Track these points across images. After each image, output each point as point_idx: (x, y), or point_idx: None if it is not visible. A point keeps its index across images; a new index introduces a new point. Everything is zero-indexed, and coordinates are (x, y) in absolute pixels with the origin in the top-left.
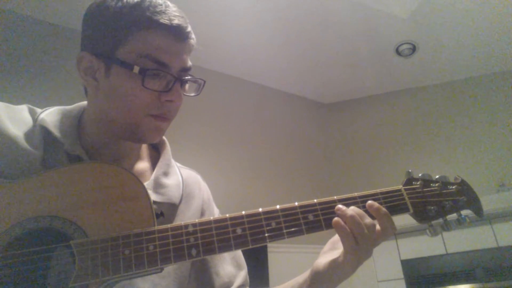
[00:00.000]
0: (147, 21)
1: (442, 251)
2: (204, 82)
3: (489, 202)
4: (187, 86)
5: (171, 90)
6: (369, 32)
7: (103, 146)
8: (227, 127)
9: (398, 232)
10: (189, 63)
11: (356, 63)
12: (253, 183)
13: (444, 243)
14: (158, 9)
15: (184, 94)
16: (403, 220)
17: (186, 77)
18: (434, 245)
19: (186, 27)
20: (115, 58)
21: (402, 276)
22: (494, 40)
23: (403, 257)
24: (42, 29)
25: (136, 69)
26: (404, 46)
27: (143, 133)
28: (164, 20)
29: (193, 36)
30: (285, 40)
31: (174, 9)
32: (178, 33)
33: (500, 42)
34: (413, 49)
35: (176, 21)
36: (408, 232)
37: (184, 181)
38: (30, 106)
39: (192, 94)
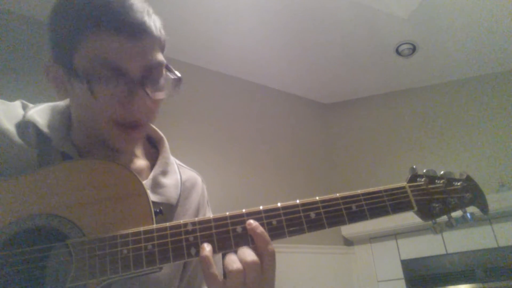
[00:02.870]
0: (95, 22)
1: (442, 251)
2: (180, 78)
3: (489, 202)
4: (160, 85)
5: (132, 95)
6: (369, 32)
7: (93, 144)
8: (228, 128)
9: (398, 232)
10: (157, 59)
11: (356, 63)
12: (254, 183)
13: (444, 243)
14: (104, 7)
15: (151, 96)
16: (404, 220)
17: (148, 80)
18: (434, 245)
19: (142, 21)
20: (71, 68)
21: (402, 276)
22: (494, 40)
23: (403, 257)
24: (42, 29)
25: (84, 80)
26: (404, 46)
27: (114, 143)
28: (112, 19)
29: (152, 29)
30: (285, 40)
31: (128, 2)
32: (131, 31)
33: (500, 42)
34: (413, 49)
35: (126, 18)
36: (408, 232)
37: (183, 182)
38: (24, 101)
39: (168, 94)
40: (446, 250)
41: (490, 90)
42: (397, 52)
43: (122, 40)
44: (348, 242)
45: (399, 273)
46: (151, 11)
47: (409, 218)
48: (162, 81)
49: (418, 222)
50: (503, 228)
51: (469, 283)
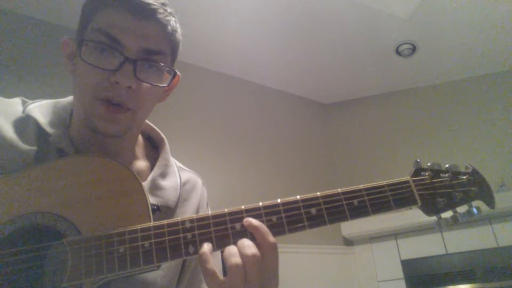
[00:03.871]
0: (108, 0)
1: (442, 251)
2: (175, 72)
3: None
4: (147, 71)
5: (119, 70)
6: (369, 32)
7: (90, 142)
8: (228, 128)
9: (398, 232)
10: (158, 47)
11: (356, 63)
12: (254, 183)
13: (444, 243)
14: None
15: (139, 79)
16: (404, 220)
17: (142, 63)
18: (434, 245)
19: (152, 7)
20: (80, 40)
21: (402, 276)
22: (494, 40)
23: (403, 257)
24: (42, 29)
25: (81, 43)
26: (404, 46)
27: (95, 121)
28: None
29: (160, 17)
30: (285, 40)
31: None
32: (137, 10)
33: (500, 42)
34: (413, 49)
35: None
36: (408, 232)
37: (182, 184)
38: (24, 98)
39: (160, 84)
40: (446, 250)
41: (490, 90)
42: (397, 52)
43: (126, 17)
44: (348, 242)
45: (399, 273)
46: (169, 10)
47: (409, 218)
48: (156, 71)
49: (418, 222)
50: (503, 228)
51: (469, 283)
